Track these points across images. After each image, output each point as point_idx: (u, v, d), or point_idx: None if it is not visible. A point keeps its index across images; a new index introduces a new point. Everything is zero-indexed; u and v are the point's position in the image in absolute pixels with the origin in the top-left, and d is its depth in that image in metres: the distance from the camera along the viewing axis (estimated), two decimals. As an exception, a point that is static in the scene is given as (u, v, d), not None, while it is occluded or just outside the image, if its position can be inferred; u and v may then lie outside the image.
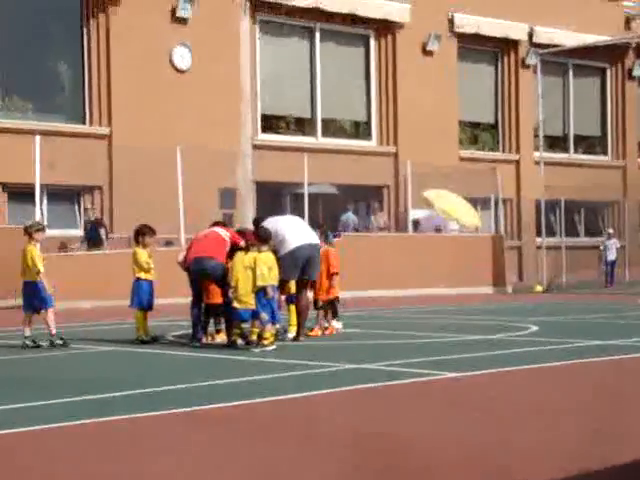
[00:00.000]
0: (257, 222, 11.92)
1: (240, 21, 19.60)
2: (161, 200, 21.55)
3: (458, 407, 6.71)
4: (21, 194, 21.28)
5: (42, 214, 20.21)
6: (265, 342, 10.38)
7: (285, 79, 26.17)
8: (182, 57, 23.84)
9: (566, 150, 32.13)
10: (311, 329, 12.19)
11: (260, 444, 5.48)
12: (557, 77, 31.70)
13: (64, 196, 22.80)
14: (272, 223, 11.58)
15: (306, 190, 23.31)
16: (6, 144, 21.03)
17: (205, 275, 11.15)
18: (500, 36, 29.35)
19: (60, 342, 10.89)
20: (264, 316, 10.39)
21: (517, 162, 30.16)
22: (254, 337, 10.60)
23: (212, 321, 11.67)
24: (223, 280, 10.95)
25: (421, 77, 27.48)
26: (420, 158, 26.14)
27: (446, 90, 28.13)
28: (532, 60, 29.37)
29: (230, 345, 10.80)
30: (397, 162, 27.23)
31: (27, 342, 10.95)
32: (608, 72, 33.07)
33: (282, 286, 11.31)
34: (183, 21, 23.80)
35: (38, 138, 19.58)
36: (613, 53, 32.08)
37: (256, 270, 10.40)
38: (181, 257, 11.61)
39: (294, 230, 11.65)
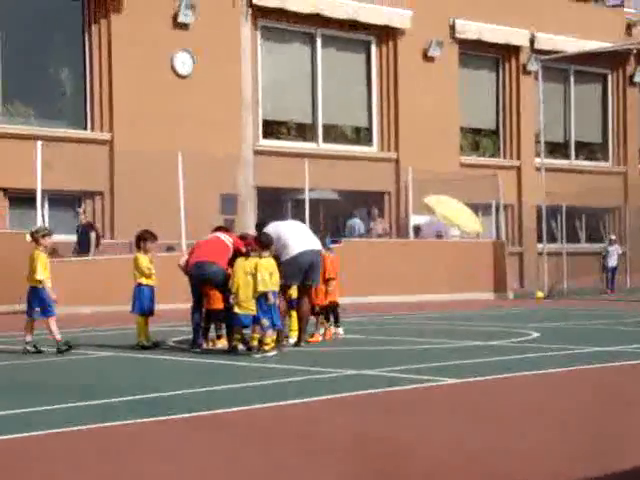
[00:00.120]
0: (260, 226, 11.91)
1: (241, 27, 19.63)
2: (162, 205, 21.56)
3: (459, 413, 6.71)
4: (22, 199, 21.30)
5: (43, 219, 20.24)
6: (266, 348, 10.37)
7: (286, 85, 26.19)
8: (183, 63, 23.87)
9: (567, 156, 32.14)
10: (311, 335, 12.18)
11: (260, 450, 5.48)
12: (558, 83, 31.72)
13: (65, 201, 22.80)
14: (274, 228, 11.57)
15: (307, 196, 23.32)
16: (8, 149, 21.05)
17: (206, 280, 11.15)
18: (501, 42, 29.38)
19: (65, 347, 10.87)
20: (265, 322, 10.38)
21: (518, 168, 30.17)
22: (255, 343, 10.59)
23: (213, 326, 11.67)
24: (224, 286, 10.94)
25: (422, 83, 27.50)
26: (421, 164, 26.15)
27: (447, 96, 28.15)
28: (533, 66, 29.39)
29: (231, 351, 10.80)
30: (398, 168, 27.24)
31: (28, 347, 10.94)
32: (609, 78, 33.10)
33: (284, 291, 11.31)
34: (184, 27, 23.84)
35: (39, 143, 19.61)
36: (614, 59, 32.10)
37: (257, 275, 10.40)
38: (182, 261, 11.61)
39: (297, 235, 11.63)
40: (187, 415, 6.54)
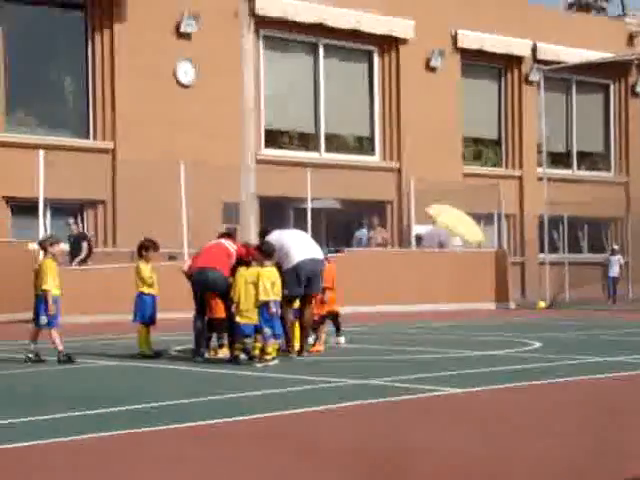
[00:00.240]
0: (263, 234, 11.91)
1: (244, 37, 19.65)
2: (164, 214, 21.59)
3: (460, 423, 6.70)
4: (25, 208, 21.32)
5: (45, 228, 20.26)
6: (267, 357, 10.36)
7: (288, 94, 26.23)
8: (186, 72, 23.92)
9: (569, 166, 32.15)
10: (312, 345, 12.17)
11: (261, 459, 5.47)
12: (560, 93, 31.74)
13: (67, 210, 22.82)
14: (277, 237, 11.58)
15: (309, 205, 23.34)
16: (10, 158, 21.08)
17: (207, 286, 11.13)
18: (503, 52, 29.42)
19: (65, 359, 10.85)
20: (267, 331, 10.38)
21: (520, 178, 30.18)
22: (257, 352, 10.59)
23: (215, 336, 11.66)
24: (226, 293, 10.92)
25: (424, 93, 27.54)
26: (423, 174, 26.18)
27: (449, 106, 28.18)
28: (535, 76, 29.44)
29: (233, 360, 10.79)
30: (400, 177, 27.26)
31: (30, 355, 10.93)
32: (611, 88, 33.13)
33: (289, 303, 11.24)
34: (187, 36, 23.89)
35: (42, 152, 19.64)
36: (616, 70, 32.13)
37: (259, 285, 10.40)
38: (186, 267, 11.61)
39: (298, 244, 11.62)
40: (188, 425, 6.54)
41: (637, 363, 10.52)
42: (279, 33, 25.97)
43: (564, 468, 5.18)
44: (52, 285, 10.94)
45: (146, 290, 11.69)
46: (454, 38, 28.35)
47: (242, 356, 10.78)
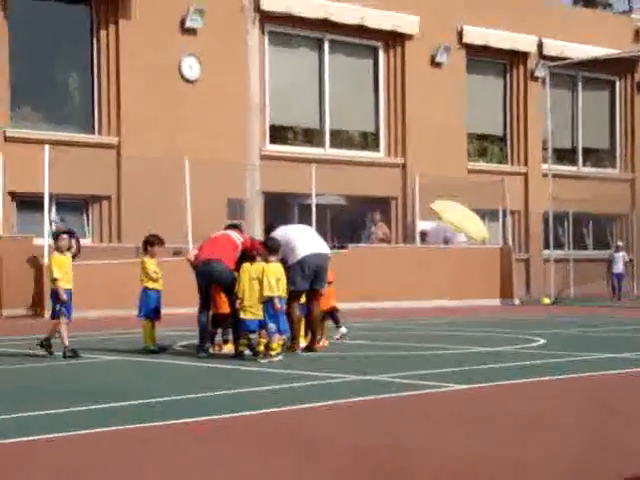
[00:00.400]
0: (268, 230, 11.90)
1: (249, 32, 19.65)
2: (169, 210, 21.61)
3: (463, 419, 6.70)
4: (30, 203, 21.35)
5: (50, 224, 20.28)
6: (272, 353, 10.37)
7: (293, 90, 26.22)
8: (191, 68, 23.92)
9: (574, 163, 32.10)
10: (318, 340, 12.15)
11: (263, 455, 5.48)
12: (566, 90, 31.69)
13: (73, 205, 22.86)
14: (283, 232, 11.57)
15: (314, 201, 23.34)
16: (16, 153, 21.10)
17: (212, 279, 11.11)
18: (509, 48, 29.38)
19: (70, 354, 10.87)
20: (271, 327, 10.39)
21: (525, 174, 30.14)
22: (261, 348, 10.59)
23: (220, 331, 11.67)
24: (230, 287, 10.90)
25: (429, 89, 27.51)
26: (428, 170, 26.16)
27: (454, 102, 28.14)
28: (541, 72, 29.39)
29: (237, 356, 10.80)
30: (405, 173, 27.24)
31: (44, 343, 10.97)
32: (617, 85, 33.07)
33: (293, 298, 11.23)
34: (192, 32, 23.89)
35: (47, 148, 19.66)
36: (622, 66, 32.06)
37: (264, 280, 10.40)
38: (192, 255, 11.59)
39: (304, 239, 11.61)
40: (192, 420, 6.55)
41: (641, 360, 10.52)
42: (284, 29, 25.96)
43: (565, 467, 5.18)
44: (60, 276, 10.97)
45: (151, 285, 11.71)
46: (459, 34, 28.31)
47: (247, 352, 10.79)
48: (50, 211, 20.72)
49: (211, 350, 11.33)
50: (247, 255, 10.99)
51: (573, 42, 30.02)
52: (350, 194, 26.01)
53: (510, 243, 26.49)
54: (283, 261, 11.04)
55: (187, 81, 23.87)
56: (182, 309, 16.20)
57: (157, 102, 23.23)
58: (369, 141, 27.76)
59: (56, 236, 11.59)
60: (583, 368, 9.63)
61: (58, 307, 11.01)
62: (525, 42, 29.57)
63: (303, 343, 11.67)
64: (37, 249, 19.61)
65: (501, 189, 26.17)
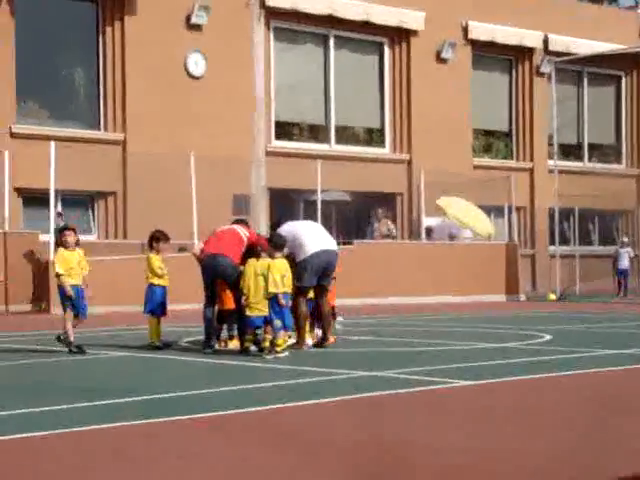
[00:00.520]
0: (275, 226, 11.87)
1: (254, 28, 19.65)
2: (174, 206, 21.63)
3: (470, 415, 6.70)
4: (36, 199, 21.38)
5: (56, 219, 20.31)
6: (278, 349, 10.38)
7: (299, 86, 26.21)
8: (196, 64, 23.92)
9: (580, 158, 32.05)
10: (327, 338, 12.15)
11: (268, 451, 5.48)
12: (572, 85, 31.65)
13: (78, 202, 22.89)
14: (290, 228, 11.56)
15: (319, 197, 23.33)
16: (22, 149, 21.13)
17: (217, 273, 11.10)
18: (514, 44, 29.33)
19: (75, 349, 10.87)
20: (277, 323, 10.39)
21: (531, 170, 30.11)
22: (267, 344, 10.59)
23: (225, 327, 11.67)
24: (235, 283, 10.89)
25: (435, 85, 27.48)
26: (434, 165, 26.14)
27: (460, 98, 28.12)
28: (546, 68, 29.34)
29: (243, 351, 10.80)
30: (410, 169, 27.23)
31: (61, 337, 10.98)
32: (623, 80, 33.01)
33: (300, 294, 11.23)
34: (198, 28, 23.89)
35: (53, 144, 19.68)
36: (628, 61, 32.01)
37: (269, 277, 10.40)
38: (198, 249, 11.56)
39: (313, 235, 11.58)
40: (197, 416, 6.55)
41: (648, 356, 10.50)
42: (289, 25, 25.95)
43: (569, 464, 5.18)
44: (63, 271, 10.96)
45: (156, 281, 11.72)
46: (465, 30, 28.28)
47: (252, 348, 10.79)
48: (56, 207, 20.74)
49: (217, 346, 11.33)
50: (253, 251, 10.97)
51: (579, 38, 29.97)
52: (355, 190, 26.01)
53: (516, 239, 26.47)
54: (291, 257, 11.02)
55: (192, 77, 23.89)
56: (187, 305, 16.21)
57: (162, 98, 23.24)
58: (374, 137, 27.75)
59: (60, 231, 11.60)
60: (589, 364, 9.62)
61: (65, 303, 11.02)
62: (531, 38, 29.53)
63: (309, 339, 11.66)
64: (43, 245, 19.65)
65: (507, 185, 26.14)
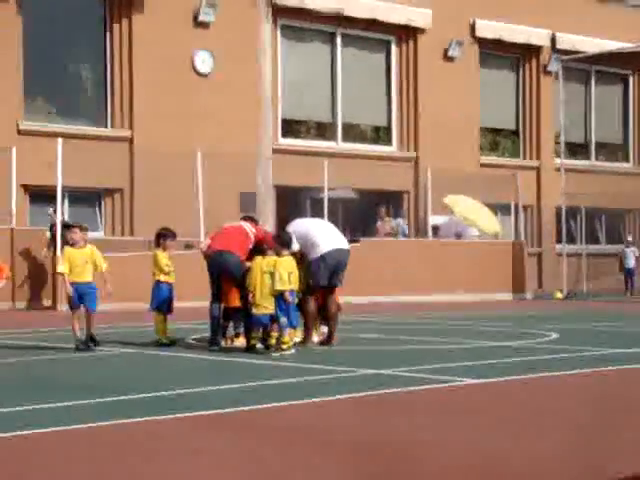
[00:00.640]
0: (285, 224, 11.85)
1: (262, 26, 19.65)
2: (181, 204, 21.64)
3: (475, 414, 6.69)
4: (43, 196, 21.41)
5: (63, 216, 20.33)
6: (284, 346, 10.38)
7: (306, 83, 26.21)
8: (203, 61, 23.93)
9: (587, 157, 32.00)
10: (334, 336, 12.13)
11: (277, 449, 5.49)
12: (579, 84, 31.59)
13: (85, 198, 22.92)
14: (300, 225, 11.53)
15: (326, 195, 23.33)
16: (29, 146, 21.16)
17: (222, 270, 11.09)
18: (522, 42, 29.28)
19: (82, 347, 10.88)
20: (283, 320, 10.39)
21: (538, 169, 30.07)
22: (273, 341, 10.60)
23: (231, 324, 11.67)
24: (241, 278, 10.88)
25: (442, 83, 27.45)
26: (440, 164, 26.11)
27: (467, 96, 28.09)
28: (554, 67, 29.29)
29: (249, 349, 10.81)
30: (417, 167, 27.21)
31: (82, 343, 10.97)
32: (630, 79, 32.93)
33: (312, 292, 11.22)
34: (205, 25, 23.90)
35: (60, 140, 19.71)
36: (636, 60, 31.91)
37: (275, 274, 10.39)
38: (204, 246, 11.55)
39: (326, 234, 11.56)
40: (203, 413, 6.56)
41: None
42: (297, 22, 25.94)
43: (578, 463, 5.17)
44: (64, 269, 10.96)
45: (163, 278, 11.73)
46: (472, 28, 28.24)
47: (258, 345, 10.80)
48: (63, 204, 20.76)
49: (223, 343, 11.33)
50: (259, 248, 10.96)
51: (586, 36, 29.91)
52: (362, 188, 25.99)
53: (522, 237, 26.44)
54: (298, 255, 10.98)
55: (200, 74, 23.90)
56: (194, 302, 16.22)
57: (170, 95, 23.26)
58: (381, 135, 27.73)
59: (67, 229, 11.61)
60: (596, 363, 9.60)
61: (71, 300, 11.03)
62: (538, 36, 29.48)
63: (315, 337, 11.66)
64: (47, 241, 19.69)
65: (514, 183, 26.11)
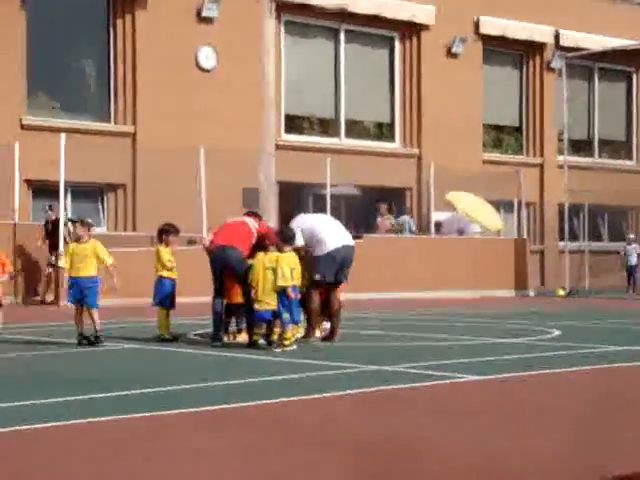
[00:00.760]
0: (289, 219, 11.85)
1: (265, 22, 19.63)
2: (184, 199, 21.64)
3: (477, 411, 6.70)
4: (46, 191, 21.42)
5: (66, 211, 20.34)
6: (286, 342, 10.39)
7: (309, 80, 26.20)
8: (207, 57, 23.92)
9: (590, 154, 31.95)
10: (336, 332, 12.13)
11: (278, 445, 5.49)
12: (582, 81, 31.54)
13: (88, 194, 22.93)
14: (305, 221, 11.52)
15: (329, 191, 23.33)
16: (32, 141, 21.15)
17: (225, 265, 11.10)
18: (525, 39, 29.25)
19: (85, 342, 10.91)
20: (286, 317, 10.40)
21: (541, 166, 30.04)
22: (275, 337, 10.61)
23: (234, 320, 11.68)
24: (243, 275, 10.88)
25: (445, 79, 27.43)
26: (443, 160, 26.09)
27: (470, 93, 28.06)
28: (557, 63, 29.25)
29: (251, 345, 10.81)
30: (420, 164, 27.20)
31: (97, 334, 10.99)
32: (634, 76, 32.88)
33: (316, 288, 11.22)
34: (208, 21, 23.89)
35: (63, 136, 19.71)
36: (639, 57, 31.86)
37: (278, 270, 10.40)
38: (207, 241, 11.57)
39: (332, 230, 11.56)
40: (205, 408, 6.57)
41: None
42: (300, 18, 25.93)
43: (580, 461, 5.17)
44: (64, 264, 11.03)
45: (166, 274, 11.75)
46: (476, 24, 28.21)
47: (261, 341, 10.81)
48: (66, 199, 20.76)
49: (225, 339, 11.34)
50: (261, 244, 10.96)
51: (590, 33, 29.86)
52: (365, 184, 25.98)
53: (525, 234, 26.43)
54: (302, 251, 10.98)
55: (203, 70, 23.89)
56: (196, 298, 16.23)
57: (173, 91, 23.25)
58: (384, 131, 27.71)
59: (73, 224, 11.66)
60: (598, 360, 9.61)
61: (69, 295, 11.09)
62: (542, 33, 29.44)
63: (317, 333, 11.66)
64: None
65: (516, 180, 26.10)
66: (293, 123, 26.05)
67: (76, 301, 11.04)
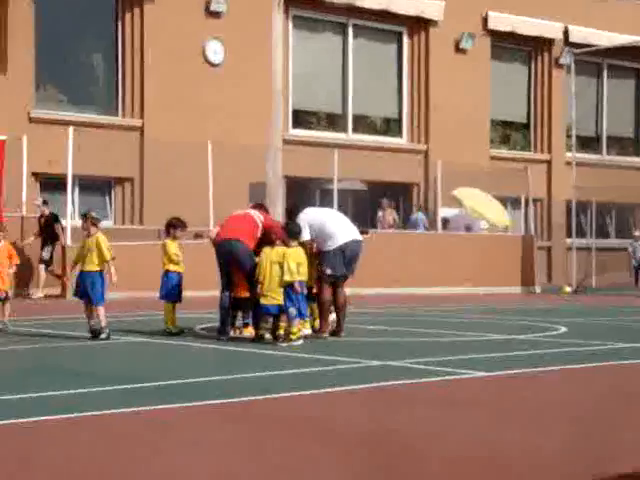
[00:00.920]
0: (290, 212, 11.82)
1: (273, 16, 19.62)
2: (191, 193, 21.67)
3: (482, 407, 6.69)
4: (53, 185, 21.46)
5: (73, 205, 20.37)
6: (292, 337, 10.40)
7: (317, 74, 26.18)
8: (215, 51, 23.92)
9: (599, 151, 31.89)
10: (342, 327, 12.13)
11: (283, 440, 5.50)
12: (591, 77, 31.47)
13: (96, 187, 22.96)
14: (314, 216, 11.50)
15: (335, 186, 23.31)
16: (40, 135, 21.18)
17: (230, 258, 11.10)
18: (534, 35, 29.18)
19: (91, 335, 10.96)
20: (292, 311, 10.40)
21: (548, 162, 29.99)
22: (281, 332, 10.61)
23: (240, 314, 11.69)
24: (249, 269, 10.88)
25: (453, 75, 27.39)
26: (451, 156, 26.05)
27: (478, 89, 28.02)
28: (566, 60, 29.18)
29: (257, 339, 10.82)
30: (427, 160, 27.17)
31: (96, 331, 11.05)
32: (643, 73, 32.80)
33: (328, 283, 11.21)
34: (217, 15, 23.88)
35: (71, 129, 19.73)
36: (648, 54, 31.78)
37: (284, 265, 10.40)
38: (213, 233, 11.58)
39: (341, 225, 11.59)
40: (211, 402, 6.58)
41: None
42: (309, 13, 25.91)
43: (583, 458, 5.17)
44: (74, 258, 11.12)
45: (172, 268, 11.77)
46: (484, 20, 28.15)
47: (267, 335, 10.81)
48: (73, 192, 20.79)
49: (231, 333, 11.35)
50: (267, 239, 10.95)
51: (599, 29, 29.78)
52: (372, 180, 25.96)
53: (532, 231, 26.39)
54: (308, 246, 10.98)
55: (211, 65, 23.89)
56: (203, 292, 16.25)
57: (181, 85, 23.26)
58: (392, 127, 27.69)
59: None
60: (604, 357, 9.60)
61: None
62: (550, 29, 29.37)
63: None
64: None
65: (524, 177, 26.05)
66: (301, 118, 26.04)
67: (80, 295, 11.05)
